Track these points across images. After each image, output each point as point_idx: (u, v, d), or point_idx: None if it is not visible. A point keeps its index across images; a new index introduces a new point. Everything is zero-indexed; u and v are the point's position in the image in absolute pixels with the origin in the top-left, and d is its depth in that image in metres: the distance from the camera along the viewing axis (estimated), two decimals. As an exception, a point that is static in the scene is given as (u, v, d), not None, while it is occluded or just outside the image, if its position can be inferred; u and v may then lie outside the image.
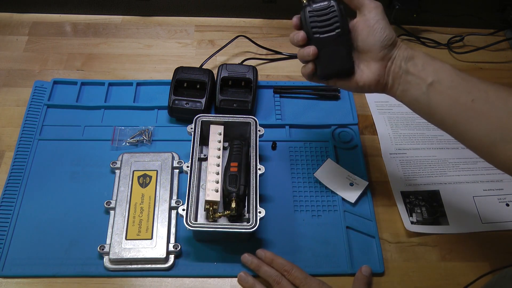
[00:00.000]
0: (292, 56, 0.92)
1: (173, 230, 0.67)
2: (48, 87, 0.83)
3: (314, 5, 0.58)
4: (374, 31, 0.57)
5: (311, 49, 0.58)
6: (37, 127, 0.78)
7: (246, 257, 0.63)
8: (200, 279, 0.64)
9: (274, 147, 0.77)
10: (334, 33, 0.58)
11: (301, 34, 0.59)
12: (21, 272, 0.63)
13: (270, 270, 0.61)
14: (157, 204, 0.68)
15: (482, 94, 0.52)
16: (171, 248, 0.64)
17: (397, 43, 0.58)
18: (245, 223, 0.63)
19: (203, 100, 0.78)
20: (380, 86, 0.58)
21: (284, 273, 0.61)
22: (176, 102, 0.78)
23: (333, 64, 0.59)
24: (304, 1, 0.60)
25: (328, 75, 0.60)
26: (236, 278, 0.64)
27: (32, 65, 0.88)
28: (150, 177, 0.71)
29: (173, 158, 0.74)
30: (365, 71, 0.58)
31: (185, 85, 0.80)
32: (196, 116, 0.72)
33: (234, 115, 0.73)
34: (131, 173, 0.71)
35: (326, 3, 0.59)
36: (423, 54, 0.57)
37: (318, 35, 0.59)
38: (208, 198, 0.64)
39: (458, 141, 0.55)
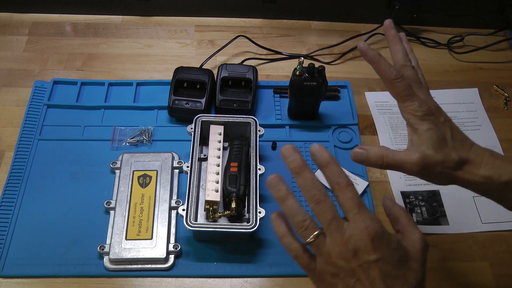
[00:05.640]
0: (292, 56, 0.92)
1: (173, 230, 0.67)
2: (48, 87, 0.83)
3: (305, 83, 0.73)
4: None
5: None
6: (37, 127, 0.78)
7: (275, 180, 0.46)
8: (200, 279, 0.64)
9: (274, 147, 0.77)
10: (310, 97, 0.76)
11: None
12: (21, 272, 0.63)
13: (316, 181, 0.45)
14: (157, 204, 0.68)
15: None
16: (171, 248, 0.64)
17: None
18: (245, 223, 0.63)
19: (203, 100, 0.78)
20: None
21: (335, 187, 0.44)
22: (176, 102, 0.78)
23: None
24: (297, 73, 0.73)
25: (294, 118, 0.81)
26: (236, 279, 0.64)
27: (32, 65, 0.88)
28: (150, 177, 0.71)
29: (173, 158, 0.74)
30: None
31: (185, 85, 0.80)
32: (196, 116, 0.72)
33: (234, 115, 0.73)
34: (131, 173, 0.71)
35: (314, 83, 0.73)
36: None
37: (300, 96, 0.76)
38: (208, 198, 0.64)
39: None
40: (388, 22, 0.56)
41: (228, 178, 0.67)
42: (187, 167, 0.67)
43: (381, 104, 0.84)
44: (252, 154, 0.68)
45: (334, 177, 0.45)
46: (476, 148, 0.51)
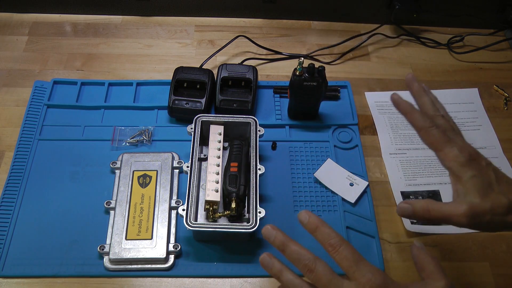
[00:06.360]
0: (292, 56, 0.92)
1: (173, 230, 0.67)
2: (48, 87, 0.83)
3: (304, 83, 0.73)
4: None
5: None
6: (37, 127, 0.78)
7: (269, 230, 0.47)
8: (200, 279, 0.64)
9: (274, 147, 0.77)
10: (310, 97, 0.76)
11: None
12: (21, 272, 0.63)
13: (300, 251, 0.45)
14: (157, 204, 0.68)
15: None
16: (171, 248, 0.64)
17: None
18: (245, 223, 0.63)
19: (203, 100, 0.78)
20: None
21: (328, 249, 0.44)
22: (176, 102, 0.78)
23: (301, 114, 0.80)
24: (297, 73, 0.73)
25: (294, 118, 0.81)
26: (236, 279, 0.64)
27: (32, 65, 0.88)
28: (150, 177, 0.71)
29: (173, 158, 0.74)
30: None
31: (185, 85, 0.80)
32: (196, 116, 0.72)
33: (234, 115, 0.73)
34: (131, 173, 0.71)
35: (315, 84, 0.73)
36: None
37: (300, 96, 0.76)
38: (208, 198, 0.64)
39: None
40: (410, 75, 0.56)
41: (228, 178, 0.67)
42: (187, 167, 0.67)
43: (381, 104, 0.84)
44: (252, 154, 0.69)
45: (325, 239, 0.45)
46: None
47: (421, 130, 0.52)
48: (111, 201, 0.69)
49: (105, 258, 0.64)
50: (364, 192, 0.72)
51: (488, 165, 0.51)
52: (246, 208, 0.67)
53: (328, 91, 0.82)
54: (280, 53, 0.92)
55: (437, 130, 0.51)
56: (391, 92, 0.87)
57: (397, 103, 0.54)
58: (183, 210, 0.62)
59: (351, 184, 0.73)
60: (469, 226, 0.49)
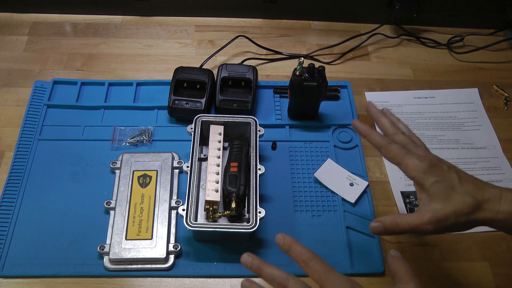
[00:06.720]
0: (292, 56, 0.92)
1: (173, 230, 0.67)
2: (48, 87, 0.83)
3: (305, 83, 0.73)
4: None
5: None
6: (37, 127, 0.78)
7: (246, 258, 0.50)
8: (200, 279, 0.64)
9: (274, 147, 0.77)
10: (310, 97, 0.76)
11: None
12: (21, 272, 0.63)
13: (274, 272, 0.48)
14: (157, 204, 0.68)
15: None
16: (171, 248, 0.64)
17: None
18: (245, 223, 0.63)
19: (203, 100, 0.78)
20: None
21: (301, 265, 0.48)
22: (176, 102, 0.78)
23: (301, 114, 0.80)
24: (297, 73, 0.73)
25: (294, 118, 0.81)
26: (236, 279, 0.64)
27: (32, 65, 0.88)
28: (150, 177, 0.71)
29: (173, 158, 0.74)
30: None
31: (185, 85, 0.80)
32: (196, 116, 0.72)
33: (234, 115, 0.73)
34: (131, 173, 0.71)
35: (315, 84, 0.73)
36: None
37: (300, 96, 0.76)
38: (208, 198, 0.64)
39: None
40: (368, 103, 0.61)
41: (228, 178, 0.67)
42: (187, 167, 0.67)
43: (381, 104, 0.84)
44: (252, 154, 0.69)
45: (298, 256, 0.48)
46: (491, 186, 0.51)
47: (381, 147, 0.55)
48: (111, 201, 0.69)
49: (105, 258, 0.64)
50: (364, 192, 0.72)
51: (450, 168, 0.52)
52: (246, 208, 0.67)
53: (328, 91, 0.82)
54: (280, 53, 0.92)
55: (396, 146, 0.54)
56: (392, 92, 0.88)
57: (357, 127, 0.58)
58: (183, 210, 0.62)
59: (351, 184, 0.73)
60: (437, 232, 0.51)
